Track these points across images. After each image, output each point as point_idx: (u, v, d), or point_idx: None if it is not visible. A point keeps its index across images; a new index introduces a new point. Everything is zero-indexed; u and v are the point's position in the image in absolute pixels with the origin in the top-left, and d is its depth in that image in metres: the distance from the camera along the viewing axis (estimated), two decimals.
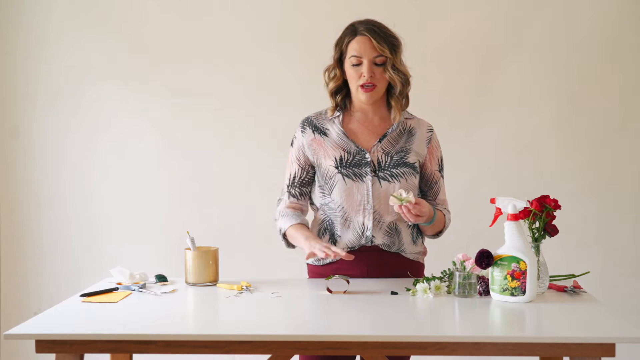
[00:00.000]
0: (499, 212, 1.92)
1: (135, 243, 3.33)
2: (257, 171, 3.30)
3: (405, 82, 2.08)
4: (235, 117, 3.30)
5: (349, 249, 2.09)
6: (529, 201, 1.90)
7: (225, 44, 3.28)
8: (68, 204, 3.34)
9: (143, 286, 1.99)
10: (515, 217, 1.81)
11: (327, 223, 2.12)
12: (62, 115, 3.32)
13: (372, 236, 2.07)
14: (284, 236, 2.15)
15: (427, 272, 2.15)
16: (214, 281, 2.04)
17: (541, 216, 1.89)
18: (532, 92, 3.24)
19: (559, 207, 1.90)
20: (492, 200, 1.95)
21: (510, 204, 1.83)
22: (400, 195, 1.95)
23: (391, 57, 2.03)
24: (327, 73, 2.14)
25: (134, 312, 1.76)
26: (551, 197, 1.91)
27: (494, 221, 1.97)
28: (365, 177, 2.07)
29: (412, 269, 2.12)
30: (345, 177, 2.08)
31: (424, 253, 2.21)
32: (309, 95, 3.05)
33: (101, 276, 2.34)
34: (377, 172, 2.08)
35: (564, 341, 1.54)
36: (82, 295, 1.90)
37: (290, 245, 2.16)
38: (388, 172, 2.08)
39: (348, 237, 2.08)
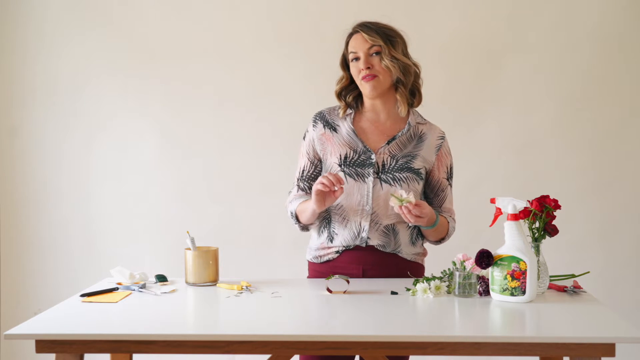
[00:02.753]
0: (499, 212, 1.92)
1: (135, 243, 3.33)
2: (257, 171, 3.30)
3: (405, 70, 2.08)
4: (236, 116, 3.30)
5: (344, 248, 2.10)
6: (529, 201, 1.90)
7: (225, 43, 3.28)
8: (68, 203, 3.34)
9: (143, 286, 1.99)
10: (515, 217, 1.81)
11: (327, 220, 2.13)
12: (61, 114, 3.32)
13: (367, 237, 2.08)
14: (296, 218, 2.14)
15: (427, 272, 2.15)
16: (214, 281, 2.04)
17: (541, 216, 1.89)
18: (532, 92, 3.25)
19: (559, 207, 1.90)
20: (492, 200, 1.95)
21: (510, 204, 1.83)
22: (401, 196, 1.95)
23: (385, 46, 2.05)
24: (337, 82, 2.19)
25: (134, 312, 1.76)
26: (551, 197, 1.91)
27: (494, 221, 1.96)
28: (367, 177, 2.07)
29: (409, 270, 2.12)
30: (347, 176, 2.08)
31: (424, 254, 2.20)
32: (310, 95, 3.05)
33: (101, 276, 2.34)
34: (379, 174, 2.08)
35: (564, 341, 1.54)
36: (82, 295, 1.90)
37: (304, 227, 2.17)
38: (390, 175, 2.08)
39: (344, 235, 2.09)
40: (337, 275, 1.97)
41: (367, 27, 2.08)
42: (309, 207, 2.07)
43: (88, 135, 3.33)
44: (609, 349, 1.54)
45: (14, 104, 3.33)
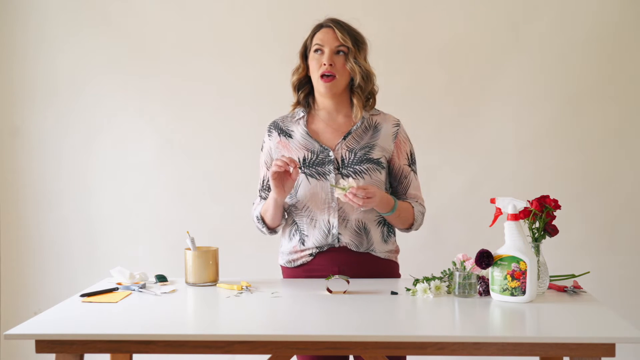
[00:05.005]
0: (499, 212, 1.92)
1: (135, 243, 3.33)
2: (256, 171, 3.28)
3: (367, 77, 2.10)
4: (235, 116, 3.30)
5: (317, 249, 2.10)
6: (529, 201, 1.90)
7: (226, 43, 3.28)
8: (68, 203, 3.34)
9: (143, 286, 1.99)
10: (515, 217, 1.81)
11: (296, 226, 2.13)
12: (61, 114, 3.32)
13: (339, 234, 2.08)
14: (262, 220, 2.13)
15: (427, 272, 2.15)
16: (214, 281, 2.04)
17: (541, 216, 1.89)
18: (532, 92, 3.25)
19: (559, 207, 1.90)
20: (492, 200, 1.95)
21: (510, 204, 1.83)
22: (339, 184, 1.97)
23: (353, 48, 2.07)
24: (293, 72, 2.18)
25: (134, 312, 1.76)
26: (551, 197, 1.91)
27: (494, 221, 1.96)
28: (328, 175, 2.08)
29: (384, 268, 2.13)
30: (308, 177, 2.09)
31: (397, 252, 2.21)
32: None
33: (101, 276, 2.34)
34: (340, 169, 2.08)
35: (564, 341, 1.54)
36: (82, 295, 1.91)
37: (272, 230, 2.16)
38: (352, 169, 2.08)
39: (315, 236, 2.10)
40: (337, 276, 1.97)
41: (339, 25, 2.10)
42: (270, 201, 2.07)
43: (88, 135, 3.33)
44: (609, 349, 1.54)
45: (14, 105, 3.33)
